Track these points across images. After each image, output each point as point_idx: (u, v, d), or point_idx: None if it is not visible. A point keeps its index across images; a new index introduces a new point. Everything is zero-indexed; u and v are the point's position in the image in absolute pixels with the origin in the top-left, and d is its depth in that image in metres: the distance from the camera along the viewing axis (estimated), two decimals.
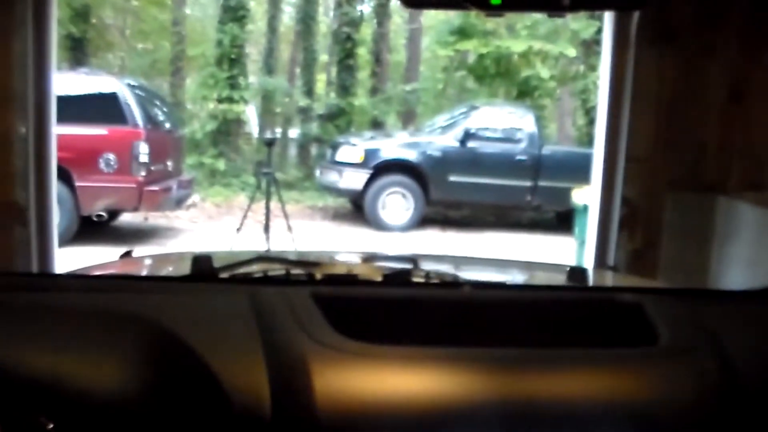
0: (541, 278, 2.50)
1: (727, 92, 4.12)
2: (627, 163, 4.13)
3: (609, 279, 2.86)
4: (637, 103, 4.04)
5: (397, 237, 11.60)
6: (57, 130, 3.52)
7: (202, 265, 1.74)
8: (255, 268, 1.94)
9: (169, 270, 2.38)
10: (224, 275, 1.80)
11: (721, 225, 4.46)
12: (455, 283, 1.76)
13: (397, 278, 1.73)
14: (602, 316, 1.49)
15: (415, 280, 1.80)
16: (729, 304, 1.57)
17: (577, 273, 2.17)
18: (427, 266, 2.09)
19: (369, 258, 2.44)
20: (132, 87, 10.61)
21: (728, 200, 4.38)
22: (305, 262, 1.83)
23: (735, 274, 4.39)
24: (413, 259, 2.17)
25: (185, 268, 1.78)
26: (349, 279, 1.72)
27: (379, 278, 1.72)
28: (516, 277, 2.57)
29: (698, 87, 4.03)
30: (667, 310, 1.46)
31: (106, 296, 1.44)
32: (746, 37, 3.94)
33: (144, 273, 2.34)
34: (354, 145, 12.77)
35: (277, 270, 1.87)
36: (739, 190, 4.31)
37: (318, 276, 1.77)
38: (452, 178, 12.35)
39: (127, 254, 2.50)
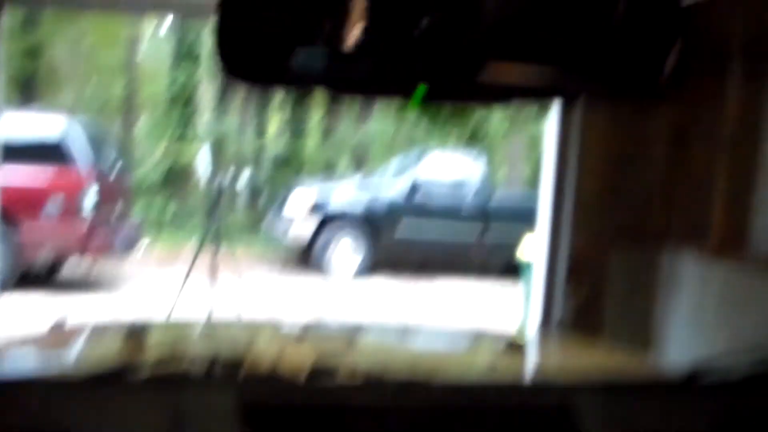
0: (480, 350, 2.47)
1: (670, 140, 4.19)
2: (573, 215, 4.17)
3: (550, 345, 2.82)
4: (583, 158, 4.09)
5: (346, 285, 11.54)
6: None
7: (133, 341, 1.64)
8: (178, 367, 1.82)
9: (102, 346, 2.29)
10: (143, 375, 1.67)
11: (664, 277, 4.51)
12: (385, 385, 1.66)
13: (329, 379, 1.63)
14: (531, 421, 1.46)
15: (344, 381, 1.70)
16: (657, 397, 1.55)
17: (514, 346, 2.13)
18: (360, 353, 2.03)
19: (304, 332, 2.36)
20: (81, 128, 10.47)
21: (671, 253, 4.43)
22: (231, 362, 1.69)
23: (678, 325, 4.43)
24: (355, 329, 2.10)
25: (117, 343, 1.70)
26: (276, 382, 1.60)
27: (311, 373, 1.62)
28: (455, 346, 2.55)
29: (641, 143, 4.09)
30: (596, 410, 1.43)
31: (4, 400, 1.31)
32: (687, 96, 4.02)
33: (75, 347, 2.23)
34: (304, 192, 12.74)
35: (198, 369, 1.75)
36: (681, 243, 4.36)
37: (243, 373, 1.65)
38: (402, 226, 12.36)
39: (58, 324, 2.37)
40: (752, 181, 3.95)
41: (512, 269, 10.80)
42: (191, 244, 12.84)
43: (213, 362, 1.65)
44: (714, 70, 4.05)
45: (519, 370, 2.11)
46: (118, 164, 11.47)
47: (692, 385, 1.56)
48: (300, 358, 1.80)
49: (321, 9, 0.86)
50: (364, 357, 2.06)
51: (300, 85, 1.10)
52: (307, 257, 12.67)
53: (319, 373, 1.59)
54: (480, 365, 2.10)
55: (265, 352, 2.05)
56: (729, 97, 3.97)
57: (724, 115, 3.99)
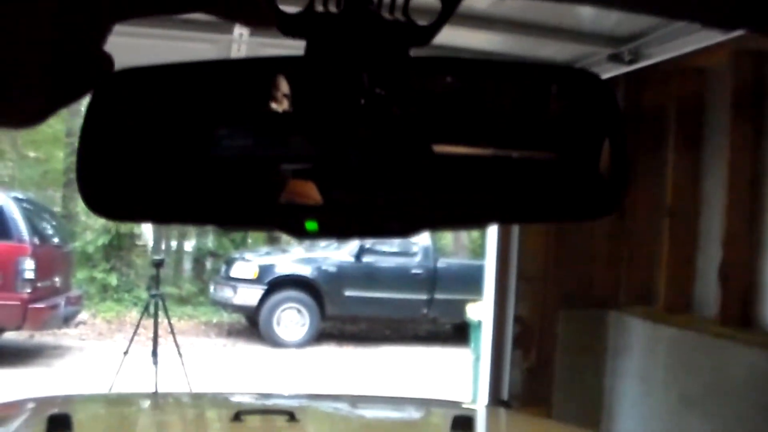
0: (429, 423, 2.43)
1: (612, 218, 4.24)
2: (518, 281, 4.18)
3: (498, 423, 2.79)
4: (525, 231, 4.11)
5: (293, 354, 11.40)
6: None
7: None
8: None
9: (19, 426, 2.19)
10: None
11: (612, 339, 4.52)
12: None
13: None
14: None
15: None
16: None
17: (462, 421, 2.09)
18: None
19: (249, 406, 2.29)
20: (18, 200, 10.30)
21: (618, 315, 4.46)
22: None
23: (627, 386, 4.44)
24: (290, 413, 2.05)
25: (39, 427, 1.63)
26: None
27: None
28: (405, 417, 2.51)
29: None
30: None
31: None
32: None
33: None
34: (248, 260, 12.66)
35: None
36: (627, 305, 4.39)
37: None
38: (348, 293, 12.32)
39: None
40: (693, 248, 4.01)
41: (460, 332, 10.79)
42: (133, 316, 12.62)
43: None
44: (652, 141, 4.14)
45: None
46: (58, 235, 11.28)
47: None
48: None
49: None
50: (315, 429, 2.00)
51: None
52: (254, 324, 12.52)
53: None
54: None
55: None
56: (668, 167, 4.05)
57: (665, 184, 4.06)
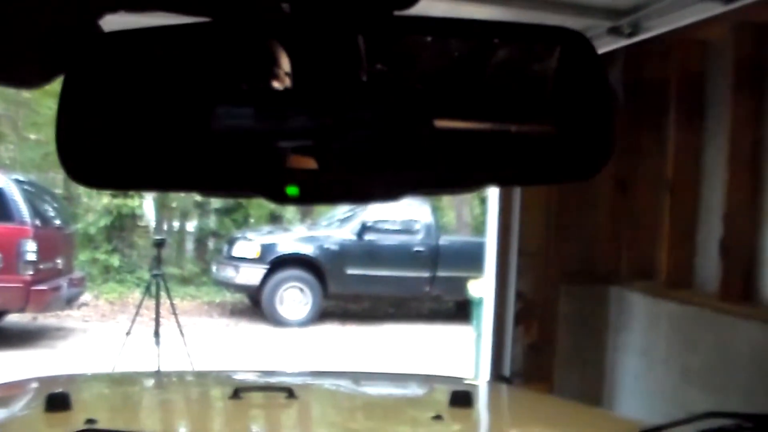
0: (430, 398, 2.42)
1: (614, 185, 4.23)
2: (519, 257, 4.17)
3: (499, 399, 2.77)
4: (527, 197, 4.10)
5: (296, 332, 11.42)
6: None
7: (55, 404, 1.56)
8: None
9: (19, 405, 2.20)
10: None
11: (614, 315, 4.53)
12: None
13: None
14: None
15: None
16: None
17: (461, 396, 2.07)
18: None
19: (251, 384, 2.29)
20: (19, 182, 10.29)
21: (619, 290, 4.46)
22: None
23: (629, 362, 4.44)
24: (289, 390, 2.04)
25: (38, 406, 1.63)
26: None
27: None
28: (406, 393, 2.50)
29: (585, 191, 4.12)
30: None
31: None
32: (630, 134, 4.07)
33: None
34: (250, 239, 12.65)
35: None
36: (629, 280, 4.39)
37: None
38: (350, 272, 12.31)
39: None
40: (694, 222, 4.00)
41: (463, 309, 10.81)
42: (135, 297, 12.64)
43: None
44: (654, 115, 4.12)
45: (465, 426, 2.07)
46: (60, 217, 11.28)
47: None
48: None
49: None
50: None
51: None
52: (256, 303, 12.55)
53: None
54: (427, 417, 2.06)
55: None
56: (669, 141, 4.03)
57: (665, 160, 4.05)
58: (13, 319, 10.94)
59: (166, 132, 0.83)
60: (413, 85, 0.85)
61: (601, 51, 2.89)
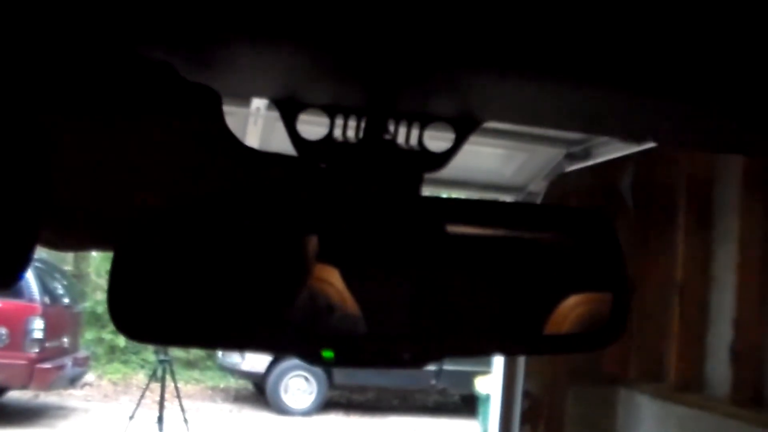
0: None
1: None
2: (526, 358, 4.14)
3: None
4: None
5: (299, 422, 11.28)
6: None
7: None
8: None
9: None
10: None
11: (621, 417, 4.47)
12: None
13: None
14: None
15: None
16: None
17: None
18: None
19: None
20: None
21: (628, 392, 4.41)
22: None
23: None
24: None
25: None
26: None
27: None
28: None
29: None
30: None
31: None
32: (640, 236, 4.10)
33: None
34: None
35: None
36: (637, 382, 4.35)
37: None
38: None
39: None
40: (704, 325, 3.98)
41: (468, 404, 10.67)
42: (139, 378, 12.54)
43: None
44: (663, 218, 4.15)
45: None
46: (68, 295, 11.29)
47: None
48: None
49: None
50: None
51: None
52: (261, 390, 12.42)
53: None
54: None
55: None
56: (679, 244, 4.05)
57: (675, 261, 4.06)
58: (15, 395, 10.86)
59: (207, 296, 0.88)
60: (444, 258, 0.90)
61: (567, 170, 2.97)
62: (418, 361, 0.89)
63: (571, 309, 0.92)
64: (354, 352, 0.88)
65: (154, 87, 0.83)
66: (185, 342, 1.06)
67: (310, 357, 0.88)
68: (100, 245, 0.93)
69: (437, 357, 0.92)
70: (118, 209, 0.86)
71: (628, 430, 4.43)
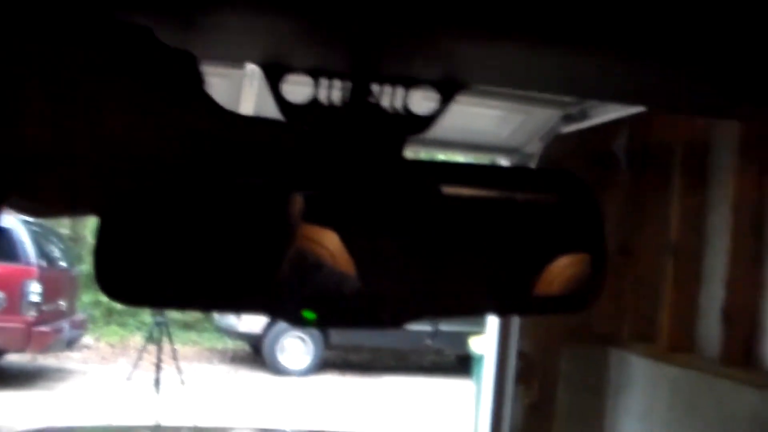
0: None
1: (617, 247, 4.25)
2: (520, 319, 4.17)
3: None
4: None
5: (296, 382, 11.36)
6: None
7: None
8: None
9: None
10: None
11: (614, 377, 4.52)
12: None
13: None
14: None
15: None
16: None
17: None
18: None
19: None
20: (27, 223, 10.34)
21: (620, 352, 4.45)
22: None
23: (628, 425, 4.42)
24: None
25: None
26: None
27: None
28: None
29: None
30: None
31: None
32: (634, 198, 4.11)
33: None
34: None
35: None
36: (630, 342, 4.39)
37: None
38: None
39: None
40: (696, 286, 4.01)
41: (464, 363, 10.76)
42: (137, 341, 12.61)
43: None
44: (658, 181, 4.16)
45: None
46: (65, 259, 11.31)
47: None
48: None
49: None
50: None
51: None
52: (257, 351, 12.50)
53: None
54: None
55: None
56: (672, 207, 4.06)
57: (668, 223, 4.07)
58: (13, 358, 10.92)
59: (191, 261, 0.89)
60: (426, 222, 0.91)
61: (564, 131, 2.97)
62: (397, 321, 0.90)
63: (561, 270, 0.94)
64: (335, 313, 0.89)
65: (131, 51, 0.83)
66: (170, 303, 1.07)
67: (292, 318, 0.89)
68: (73, 211, 0.93)
69: (417, 317, 0.93)
70: (91, 175, 0.86)
71: (620, 389, 4.48)
